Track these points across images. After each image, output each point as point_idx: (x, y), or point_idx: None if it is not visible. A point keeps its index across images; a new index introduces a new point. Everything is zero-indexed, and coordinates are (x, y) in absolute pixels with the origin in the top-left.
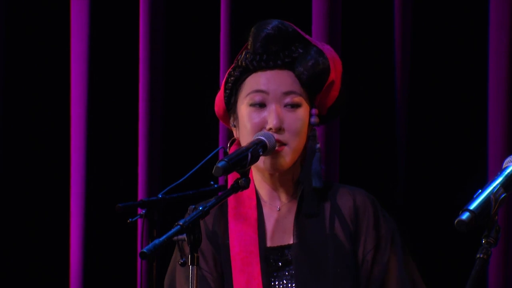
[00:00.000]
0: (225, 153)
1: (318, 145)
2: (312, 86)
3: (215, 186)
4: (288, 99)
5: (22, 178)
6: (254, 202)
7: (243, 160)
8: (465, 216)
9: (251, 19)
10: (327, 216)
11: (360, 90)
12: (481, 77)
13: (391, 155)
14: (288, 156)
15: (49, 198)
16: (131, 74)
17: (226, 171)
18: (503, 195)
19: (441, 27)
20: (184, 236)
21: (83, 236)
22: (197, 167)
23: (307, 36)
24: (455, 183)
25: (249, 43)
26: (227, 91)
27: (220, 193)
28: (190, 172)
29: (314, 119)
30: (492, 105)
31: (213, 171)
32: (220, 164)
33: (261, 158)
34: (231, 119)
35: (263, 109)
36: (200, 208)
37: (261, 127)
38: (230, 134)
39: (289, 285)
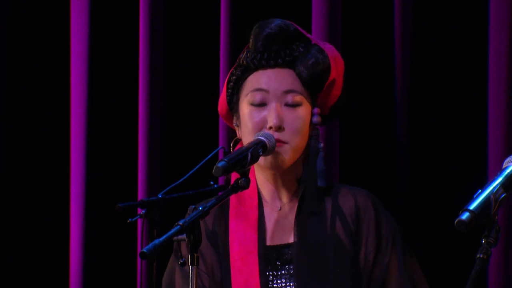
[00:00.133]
0: (225, 153)
1: (322, 144)
2: (312, 85)
3: (215, 186)
4: (288, 98)
5: (22, 178)
6: (256, 202)
7: (243, 160)
8: (465, 216)
9: (251, 19)
10: (328, 215)
11: (360, 90)
12: (481, 77)
13: (391, 155)
14: (288, 155)
15: (49, 198)
16: (131, 74)
17: (226, 171)
18: (503, 195)
19: (441, 27)
20: (184, 236)
21: (83, 236)
22: (197, 167)
23: (309, 35)
24: (455, 183)
25: (251, 41)
26: (229, 90)
27: (220, 193)
28: (190, 172)
29: (316, 118)
30: (492, 105)
31: (213, 171)
32: (220, 164)
33: (262, 157)
34: (234, 118)
35: (264, 107)
36: (200, 208)
37: (261, 126)
38: (230, 134)
39: (288, 284)
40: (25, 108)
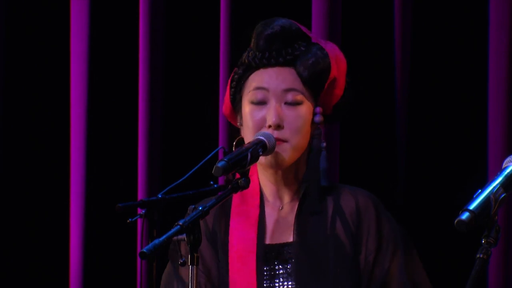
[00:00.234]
0: (225, 153)
1: (324, 144)
2: (313, 84)
3: (215, 186)
4: (288, 96)
5: (22, 178)
6: (257, 201)
7: (243, 160)
8: (465, 216)
9: (251, 19)
10: (329, 216)
11: (360, 90)
12: (481, 77)
13: (391, 155)
14: (288, 153)
15: (49, 198)
16: (131, 74)
17: (226, 171)
18: (503, 195)
19: (441, 27)
20: (184, 236)
21: (83, 236)
22: (197, 167)
23: (311, 35)
24: (455, 183)
25: (253, 40)
26: (232, 89)
27: (220, 193)
28: (190, 172)
29: (318, 118)
30: (492, 105)
31: (213, 171)
32: (220, 164)
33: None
34: (238, 118)
35: (264, 106)
36: (200, 208)
37: (261, 124)
38: (230, 134)
39: (286, 283)
40: (25, 108)
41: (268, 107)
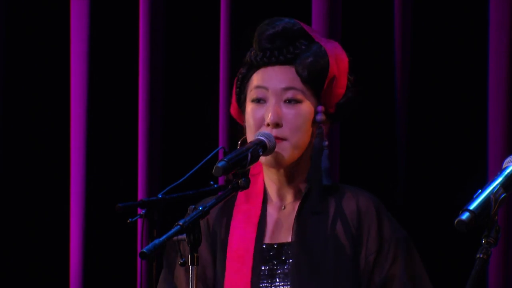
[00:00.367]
0: (225, 153)
1: (326, 143)
2: (312, 82)
3: (215, 186)
4: (288, 95)
5: (22, 178)
6: (260, 200)
7: (243, 160)
8: (465, 216)
9: (251, 19)
10: (329, 216)
11: (360, 90)
12: (481, 77)
13: (391, 155)
14: (288, 152)
15: (49, 198)
16: (131, 74)
17: (226, 171)
18: (503, 195)
19: (441, 27)
20: (184, 236)
21: (83, 236)
22: (197, 167)
23: (313, 34)
24: (455, 183)
25: (255, 40)
26: (237, 89)
27: (220, 193)
28: (190, 172)
29: (320, 116)
30: (492, 105)
31: (213, 171)
32: (220, 164)
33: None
34: (243, 117)
35: (264, 104)
36: (200, 208)
37: (261, 123)
38: (230, 134)
39: (284, 283)
40: (25, 108)
41: (268, 105)
